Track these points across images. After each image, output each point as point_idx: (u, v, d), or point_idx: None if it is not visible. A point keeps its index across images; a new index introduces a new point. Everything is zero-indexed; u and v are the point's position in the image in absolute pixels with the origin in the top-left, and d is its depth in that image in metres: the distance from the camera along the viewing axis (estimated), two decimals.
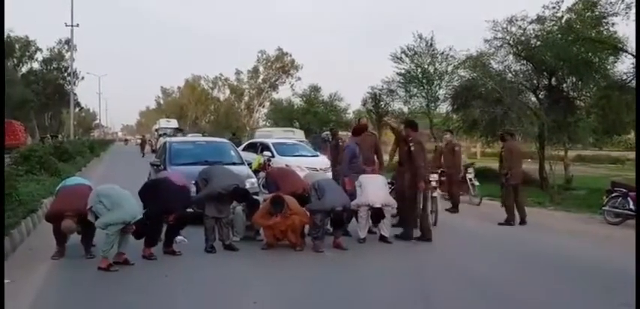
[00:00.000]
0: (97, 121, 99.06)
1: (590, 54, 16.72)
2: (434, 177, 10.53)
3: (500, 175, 11.42)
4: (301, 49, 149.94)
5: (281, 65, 63.09)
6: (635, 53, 14.71)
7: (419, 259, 7.82)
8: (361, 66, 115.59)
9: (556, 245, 9.11)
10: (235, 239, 8.18)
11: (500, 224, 10.81)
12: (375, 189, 8.58)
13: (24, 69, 51.30)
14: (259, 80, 65.32)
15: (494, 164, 18.62)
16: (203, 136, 33.57)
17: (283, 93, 59.74)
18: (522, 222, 10.91)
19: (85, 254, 7.14)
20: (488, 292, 6.25)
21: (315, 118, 40.48)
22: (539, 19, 17.63)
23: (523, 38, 18.01)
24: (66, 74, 52.94)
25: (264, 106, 64.12)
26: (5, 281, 5.99)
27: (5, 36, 41.00)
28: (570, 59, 16.54)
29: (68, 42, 49.02)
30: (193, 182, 8.25)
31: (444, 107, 24.15)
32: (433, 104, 23.66)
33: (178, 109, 75.79)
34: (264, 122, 57.46)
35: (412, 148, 8.80)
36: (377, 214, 8.50)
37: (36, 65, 53.37)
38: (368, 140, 10.13)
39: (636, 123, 12.30)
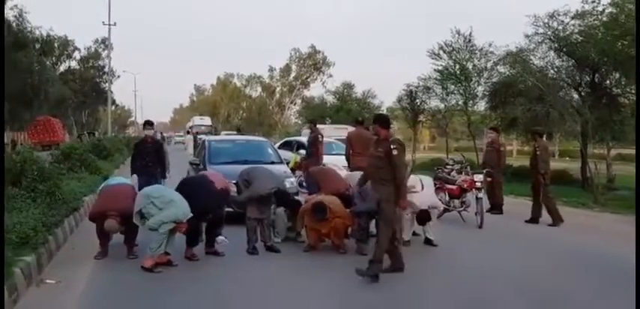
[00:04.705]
0: (132, 118, 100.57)
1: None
2: (479, 177, 10.28)
3: (536, 174, 10.98)
4: (335, 47, 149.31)
5: (313, 62, 63.12)
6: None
7: (465, 262, 7.61)
8: (396, 64, 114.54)
9: (606, 248, 8.71)
10: (276, 240, 8.08)
11: (549, 225, 10.60)
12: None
13: (62, 68, 52.44)
14: (291, 77, 65.50)
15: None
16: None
17: (315, 90, 59.80)
18: (535, 220, 10.79)
19: (128, 254, 7.16)
20: (536, 296, 6.06)
21: (348, 115, 40.22)
22: (581, 14, 17.07)
23: (564, 34, 17.47)
24: (103, 72, 54.01)
25: (295, 104, 64.31)
26: (50, 281, 6.04)
27: (45, 35, 41.86)
28: (614, 55, 15.95)
29: (105, 41, 50.01)
30: (234, 182, 8.17)
31: (482, 105, 23.61)
32: (471, 101, 23.13)
33: (211, 107, 76.38)
34: (296, 120, 57.53)
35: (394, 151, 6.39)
36: (422, 216, 8.27)
37: (74, 64, 54.61)
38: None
39: (636, 123, 11.86)
